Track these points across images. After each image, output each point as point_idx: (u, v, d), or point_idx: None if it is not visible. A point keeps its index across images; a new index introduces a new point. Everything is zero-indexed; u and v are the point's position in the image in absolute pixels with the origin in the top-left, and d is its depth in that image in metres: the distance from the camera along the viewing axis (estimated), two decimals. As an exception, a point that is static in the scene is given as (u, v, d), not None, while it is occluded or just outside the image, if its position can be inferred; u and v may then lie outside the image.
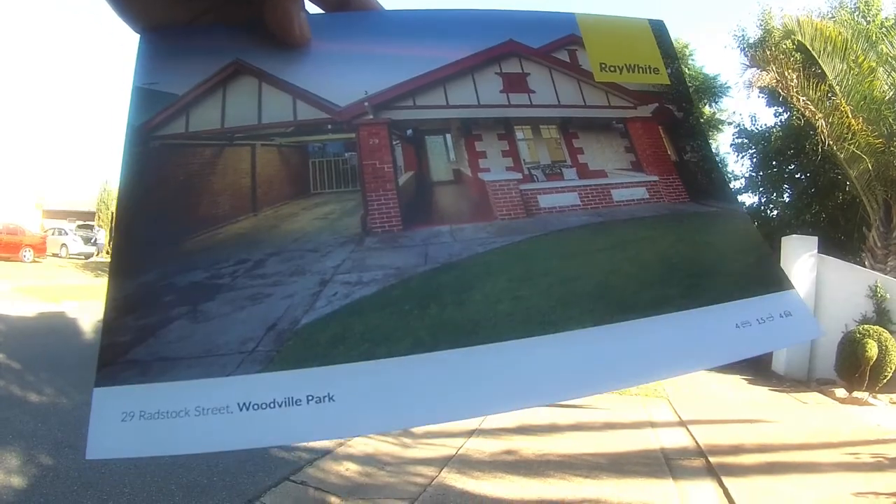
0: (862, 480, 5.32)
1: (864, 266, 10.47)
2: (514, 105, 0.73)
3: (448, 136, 0.72)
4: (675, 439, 6.64)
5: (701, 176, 0.75)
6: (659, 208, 0.71)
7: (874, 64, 10.58)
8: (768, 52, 11.50)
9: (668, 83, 0.77)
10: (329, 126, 0.66)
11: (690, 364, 0.59)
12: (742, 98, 33.06)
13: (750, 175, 15.29)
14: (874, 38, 11.29)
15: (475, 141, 0.72)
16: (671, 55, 0.78)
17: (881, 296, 9.30)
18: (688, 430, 6.95)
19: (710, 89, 16.58)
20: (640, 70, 0.76)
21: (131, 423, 0.47)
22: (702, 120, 16.21)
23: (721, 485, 5.23)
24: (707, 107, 16.95)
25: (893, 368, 8.44)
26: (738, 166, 15.78)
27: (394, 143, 0.68)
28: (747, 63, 12.27)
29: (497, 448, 5.96)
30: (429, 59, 0.68)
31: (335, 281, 0.57)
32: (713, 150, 0.83)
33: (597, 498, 4.78)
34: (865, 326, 8.78)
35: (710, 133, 17.09)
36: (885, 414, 7.84)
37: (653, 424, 7.23)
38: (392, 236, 0.62)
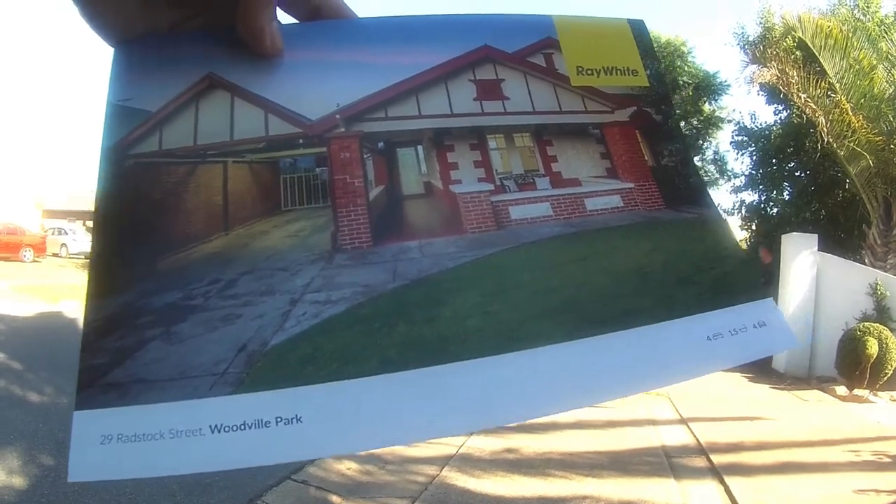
0: (863, 478, 5.30)
1: (865, 264, 10.47)
2: (488, 113, 0.72)
3: (420, 147, 0.72)
4: (676, 437, 6.63)
5: (679, 181, 0.74)
6: (633, 216, 0.71)
7: (874, 61, 10.57)
8: (769, 50, 11.51)
9: (647, 85, 0.76)
10: (300, 140, 0.65)
11: (660, 379, 0.59)
12: (742, 95, 33.09)
13: (750, 173, 15.30)
14: (874, 34, 11.29)
15: (447, 152, 0.72)
16: (651, 55, 0.77)
17: (881, 293, 9.29)
18: (689, 427, 6.93)
19: (710, 87, 16.56)
20: (619, 72, 0.75)
21: (110, 445, 0.49)
22: (701, 119, 16.42)
23: (722, 482, 5.22)
24: (707, 104, 16.92)
25: (894, 366, 8.42)
26: (737, 164, 15.88)
27: (365, 156, 0.68)
28: (747, 60, 12.26)
29: (498, 446, 5.94)
30: (403, 67, 0.68)
31: (305, 300, 0.57)
32: (692, 154, 0.82)
33: (598, 496, 4.78)
34: (866, 324, 8.77)
35: (710, 131, 17.06)
36: (886, 411, 7.83)
37: (654, 422, 7.21)
38: (362, 253, 0.62)
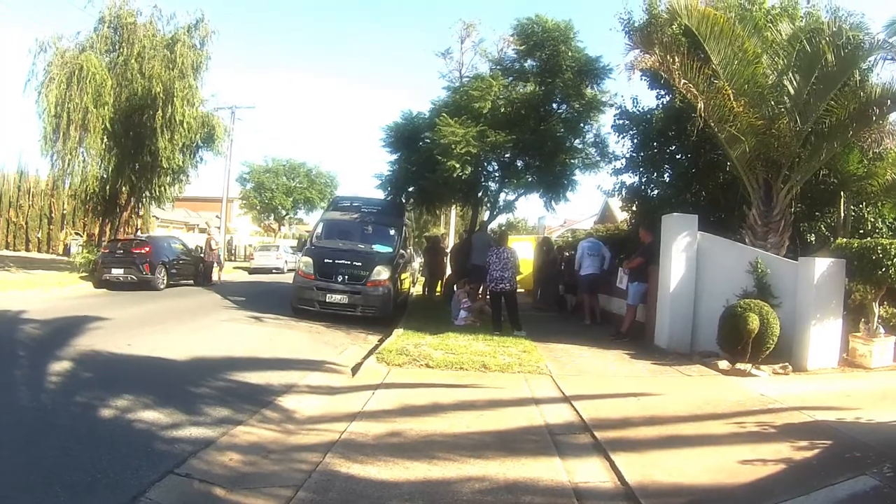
0: (749, 449, 5.24)
1: (745, 243, 10.64)
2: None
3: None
4: (559, 415, 6.49)
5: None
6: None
7: (759, 50, 10.73)
8: (654, 35, 11.52)
9: None
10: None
11: None
12: (623, 80, 33.82)
13: (631, 155, 15.42)
14: (761, 24, 11.49)
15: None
16: None
17: (762, 271, 9.41)
18: (572, 405, 6.79)
19: (593, 71, 16.66)
20: None
21: None
22: (583, 102, 16.50)
23: (608, 458, 5.09)
24: (589, 88, 17.05)
25: (776, 340, 8.54)
26: (619, 146, 15.90)
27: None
28: (630, 45, 12.21)
29: (381, 430, 5.78)
30: None
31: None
32: None
33: (483, 476, 4.67)
34: (747, 300, 8.85)
35: (592, 114, 17.20)
36: (769, 384, 7.87)
37: (537, 401, 7.04)
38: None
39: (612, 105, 16.60)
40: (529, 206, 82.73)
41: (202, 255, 23.71)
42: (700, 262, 10.56)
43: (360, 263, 14.40)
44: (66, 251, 37.78)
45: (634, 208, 16.09)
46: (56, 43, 22.36)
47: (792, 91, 10.46)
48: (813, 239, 12.59)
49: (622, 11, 14.17)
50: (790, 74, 10.55)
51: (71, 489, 4.09)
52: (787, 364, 8.58)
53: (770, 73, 10.98)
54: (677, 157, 14.61)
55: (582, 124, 17.34)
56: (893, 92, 9.89)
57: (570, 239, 24.07)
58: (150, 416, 5.83)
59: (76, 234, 41.38)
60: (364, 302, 14.04)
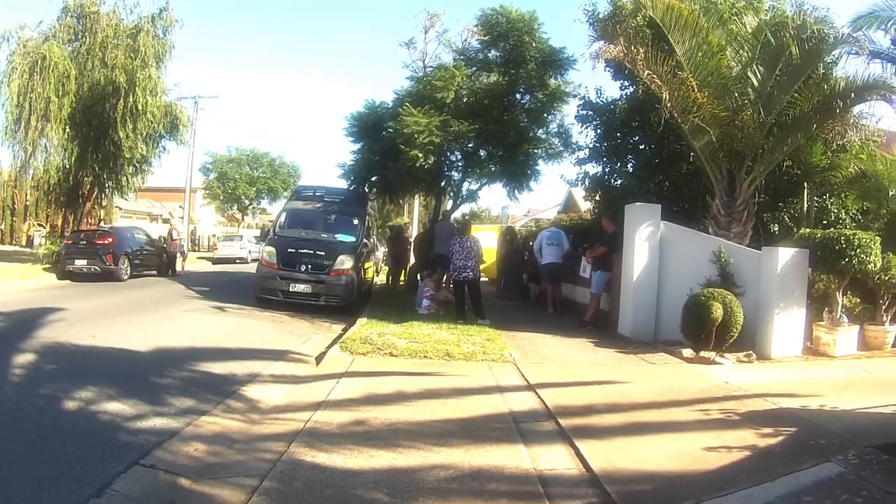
0: (713, 436, 5.24)
1: (708, 233, 10.69)
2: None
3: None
4: (524, 403, 6.46)
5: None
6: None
7: (724, 42, 10.78)
8: (618, 27, 11.52)
9: None
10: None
11: None
12: (588, 71, 34.04)
13: (594, 145, 15.44)
14: (725, 16, 11.53)
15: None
16: None
17: (725, 260, 9.45)
18: (536, 393, 6.76)
19: (557, 62, 16.68)
20: None
21: None
22: (546, 93, 16.54)
23: (572, 445, 5.06)
24: (553, 79, 17.07)
25: (739, 329, 8.58)
26: (582, 137, 15.95)
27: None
28: (595, 36, 12.21)
29: (345, 419, 5.75)
30: None
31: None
32: None
33: (448, 464, 4.66)
34: (710, 289, 8.88)
35: (555, 105, 17.24)
36: (733, 372, 7.90)
37: (501, 389, 7.00)
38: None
39: (575, 96, 16.67)
40: (493, 196, 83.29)
41: (164, 246, 23.31)
42: (663, 251, 10.60)
43: (323, 253, 14.29)
44: (30, 243, 37.30)
45: (598, 198, 16.17)
46: (19, 33, 22.03)
47: (756, 83, 10.54)
48: (777, 229, 12.72)
49: (587, 2, 14.22)
50: (754, 66, 10.62)
51: (36, 482, 4.03)
52: (751, 352, 8.63)
53: (734, 65, 11.04)
54: (641, 147, 14.68)
55: (545, 114, 17.40)
56: (857, 85, 10.01)
57: (533, 228, 24.12)
58: (115, 407, 5.74)
59: (39, 225, 40.74)
60: (327, 291, 13.92)
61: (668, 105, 10.39)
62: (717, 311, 8.30)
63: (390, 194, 19.92)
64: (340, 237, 15.26)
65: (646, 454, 4.81)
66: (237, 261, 36.66)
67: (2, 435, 4.88)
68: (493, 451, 4.91)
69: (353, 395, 6.51)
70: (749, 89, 10.64)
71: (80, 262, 18.49)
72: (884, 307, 9.59)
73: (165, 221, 47.22)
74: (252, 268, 17.92)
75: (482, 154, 17.85)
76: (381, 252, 25.99)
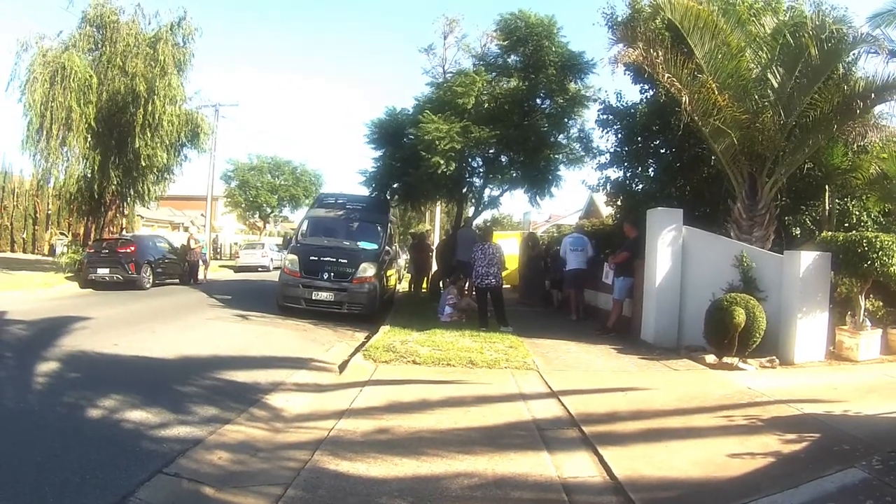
0: (737, 442, 5.24)
1: (730, 237, 10.65)
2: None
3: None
4: (547, 410, 6.49)
5: None
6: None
7: (743, 43, 10.74)
8: (637, 30, 11.50)
9: None
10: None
11: None
12: (607, 75, 34.05)
13: (615, 150, 15.41)
14: (744, 18, 11.48)
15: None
16: None
17: (747, 265, 9.41)
18: (559, 400, 6.78)
19: (576, 66, 16.66)
20: None
21: None
22: (566, 98, 16.51)
23: (596, 453, 5.08)
24: (573, 83, 17.04)
25: (762, 334, 8.56)
26: (602, 141, 15.92)
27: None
28: (614, 39, 12.19)
29: (369, 427, 5.76)
30: None
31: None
32: None
33: (471, 472, 4.66)
34: (733, 294, 8.85)
35: (576, 109, 17.19)
36: (756, 378, 7.88)
37: (524, 397, 7.02)
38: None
39: (595, 100, 16.61)
40: (514, 202, 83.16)
41: (185, 254, 23.51)
42: (685, 256, 10.58)
43: (345, 260, 14.34)
44: (52, 251, 37.57)
45: (619, 203, 16.13)
46: (38, 42, 22.19)
47: (776, 84, 10.49)
48: (798, 233, 12.60)
49: (605, 6, 14.20)
50: (774, 68, 10.57)
51: (60, 490, 4.04)
52: (773, 357, 8.59)
53: (754, 66, 10.98)
54: (662, 151, 14.62)
55: (566, 119, 17.35)
56: (877, 85, 9.92)
57: (555, 234, 24.08)
58: (138, 415, 5.77)
59: (61, 234, 41.15)
60: (350, 299, 13.97)
61: (689, 108, 10.35)
62: (740, 316, 8.28)
63: (412, 201, 19.99)
64: (363, 245, 15.30)
65: (669, 461, 4.82)
66: (259, 269, 36.81)
67: (26, 442, 4.91)
68: (517, 458, 4.93)
69: (377, 404, 6.56)
70: (769, 91, 10.58)
71: (103, 271, 18.70)
72: (906, 310, 9.48)
73: (186, 230, 47.60)
74: (274, 276, 18.00)
75: (503, 160, 17.84)
76: (404, 259, 26.04)
